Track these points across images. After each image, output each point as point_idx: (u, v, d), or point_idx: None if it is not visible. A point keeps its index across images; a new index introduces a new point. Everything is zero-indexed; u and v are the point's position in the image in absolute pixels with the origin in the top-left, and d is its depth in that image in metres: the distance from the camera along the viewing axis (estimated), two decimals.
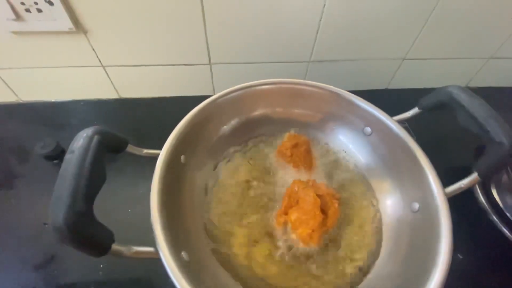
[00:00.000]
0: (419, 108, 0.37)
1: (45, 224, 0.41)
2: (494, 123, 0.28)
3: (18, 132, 0.52)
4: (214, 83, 0.57)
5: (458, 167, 0.47)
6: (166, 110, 0.55)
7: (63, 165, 0.21)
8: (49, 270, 0.37)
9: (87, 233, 0.20)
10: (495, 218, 0.42)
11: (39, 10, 0.41)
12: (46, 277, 0.37)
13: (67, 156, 0.21)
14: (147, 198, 0.27)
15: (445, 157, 0.47)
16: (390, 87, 0.63)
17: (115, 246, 0.22)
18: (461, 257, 0.40)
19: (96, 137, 0.22)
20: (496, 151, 0.28)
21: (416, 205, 0.32)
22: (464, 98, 0.30)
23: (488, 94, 0.65)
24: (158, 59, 0.51)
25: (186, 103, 0.36)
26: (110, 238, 0.22)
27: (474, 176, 0.29)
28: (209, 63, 0.52)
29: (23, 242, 0.39)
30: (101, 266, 0.37)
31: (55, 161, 0.46)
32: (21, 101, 0.56)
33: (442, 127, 0.51)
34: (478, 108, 0.29)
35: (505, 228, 0.41)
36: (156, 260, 0.24)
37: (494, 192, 0.44)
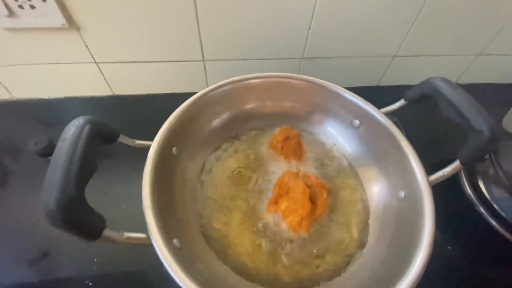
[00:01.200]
0: (405, 100, 0.38)
1: (39, 220, 0.41)
2: (474, 112, 0.28)
3: (11, 130, 0.52)
4: (208, 80, 0.57)
5: (446, 158, 0.47)
6: (160, 107, 0.55)
7: (55, 153, 0.21)
8: (43, 265, 0.37)
9: (78, 217, 0.20)
10: (482, 210, 0.43)
11: (32, 6, 0.41)
12: (40, 272, 0.37)
13: (59, 144, 0.21)
14: (140, 193, 0.28)
15: (434, 149, 0.48)
16: (382, 84, 0.64)
17: (107, 231, 0.22)
18: (450, 248, 0.40)
19: (87, 126, 0.23)
20: (477, 139, 0.28)
21: (402, 193, 0.32)
22: (445, 89, 0.31)
23: (478, 90, 0.66)
24: (151, 55, 0.51)
25: (180, 100, 0.37)
26: (102, 223, 0.22)
27: (456, 164, 0.30)
28: (203, 60, 0.53)
29: (17, 238, 0.39)
30: (95, 260, 0.37)
31: (48, 158, 0.46)
32: (14, 98, 0.56)
33: (431, 120, 0.52)
34: (459, 98, 0.30)
35: (493, 220, 0.42)
36: (150, 254, 0.24)
37: (481, 184, 0.45)
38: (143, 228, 0.25)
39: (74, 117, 0.55)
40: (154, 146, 0.30)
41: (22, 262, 0.37)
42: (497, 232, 0.41)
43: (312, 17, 0.48)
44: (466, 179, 0.46)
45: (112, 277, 0.36)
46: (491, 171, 0.45)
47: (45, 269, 0.37)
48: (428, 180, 0.29)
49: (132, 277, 0.37)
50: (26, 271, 0.37)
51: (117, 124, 0.29)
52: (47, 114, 0.54)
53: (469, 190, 0.45)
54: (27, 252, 0.38)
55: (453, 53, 0.59)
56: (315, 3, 0.46)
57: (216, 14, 0.46)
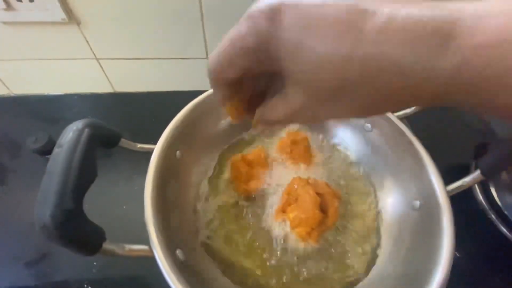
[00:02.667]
0: None
1: None
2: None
3: (10, 126, 0.51)
4: None
5: (457, 165, 0.46)
6: (162, 105, 0.54)
7: (51, 160, 0.20)
8: (42, 267, 0.36)
9: (75, 231, 0.19)
10: (493, 217, 0.42)
11: (31, 0, 0.40)
12: (38, 274, 0.36)
13: (55, 151, 0.20)
14: (142, 194, 0.27)
15: (444, 155, 0.46)
16: None
17: (106, 245, 0.21)
18: (458, 255, 0.39)
19: (86, 130, 0.21)
20: (501, 148, 0.27)
21: (417, 203, 0.31)
22: None
23: None
24: (154, 52, 0.50)
25: (183, 98, 0.35)
26: (100, 236, 0.21)
27: (477, 173, 0.29)
28: (207, 57, 0.51)
29: (15, 239, 0.38)
30: (95, 263, 0.36)
31: (48, 156, 0.45)
32: (12, 94, 0.55)
33: (441, 125, 0.51)
34: None
35: (504, 227, 0.41)
36: (152, 258, 0.23)
37: (493, 191, 0.44)
38: (145, 231, 0.24)
39: (74, 114, 0.54)
40: (157, 151, 0.28)
41: (19, 263, 0.37)
42: (509, 240, 0.40)
43: None
44: (478, 185, 0.45)
45: (112, 281, 0.36)
46: (504, 177, 0.44)
47: (43, 271, 0.36)
48: (445, 190, 0.28)
49: (133, 281, 0.36)
50: (23, 273, 0.36)
51: (118, 122, 0.28)
52: (46, 110, 0.53)
53: (480, 197, 0.44)
54: (25, 254, 0.37)
55: None
56: None
57: (222, 9, 0.44)
